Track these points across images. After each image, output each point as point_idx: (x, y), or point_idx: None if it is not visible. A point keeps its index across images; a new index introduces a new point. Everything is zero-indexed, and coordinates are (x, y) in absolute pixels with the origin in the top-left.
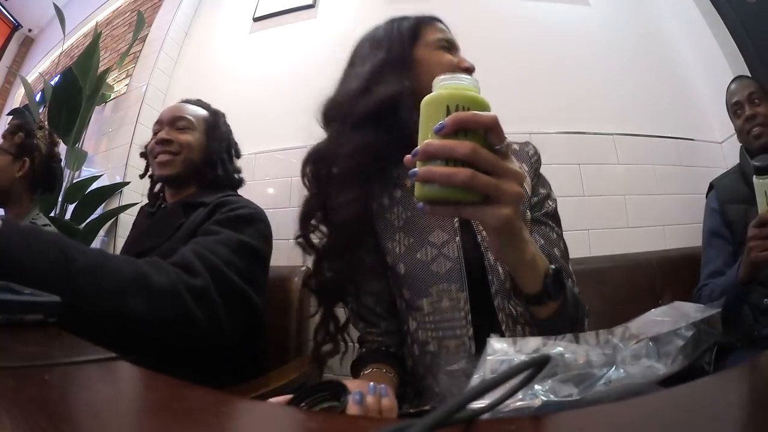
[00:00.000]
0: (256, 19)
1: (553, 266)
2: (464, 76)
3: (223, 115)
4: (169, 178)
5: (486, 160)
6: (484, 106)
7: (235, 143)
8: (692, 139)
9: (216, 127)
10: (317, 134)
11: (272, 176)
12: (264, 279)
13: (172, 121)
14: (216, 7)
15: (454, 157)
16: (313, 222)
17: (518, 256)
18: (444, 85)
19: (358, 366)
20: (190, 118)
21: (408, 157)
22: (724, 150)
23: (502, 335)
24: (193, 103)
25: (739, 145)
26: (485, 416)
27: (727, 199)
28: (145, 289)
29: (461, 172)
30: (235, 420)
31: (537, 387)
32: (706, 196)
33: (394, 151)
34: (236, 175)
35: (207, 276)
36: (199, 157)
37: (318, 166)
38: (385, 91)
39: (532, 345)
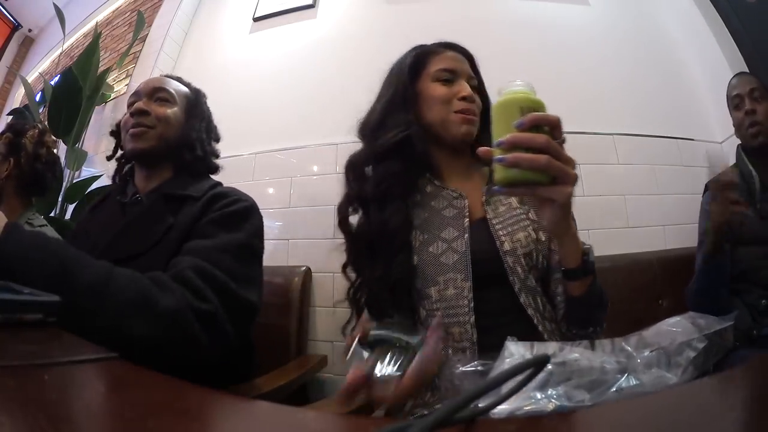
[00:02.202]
0: (256, 19)
1: (586, 245)
2: (520, 82)
3: (204, 95)
4: (142, 152)
5: (555, 149)
6: (544, 107)
7: (215, 126)
8: (692, 139)
9: (197, 104)
10: (316, 134)
11: (272, 176)
12: (261, 275)
13: (150, 93)
14: (216, 7)
15: (534, 146)
16: (350, 210)
17: (568, 229)
18: (512, 90)
19: None
20: (171, 91)
21: (484, 149)
22: (724, 150)
23: (534, 330)
24: (174, 79)
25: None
26: (486, 416)
27: None
28: (149, 311)
29: (542, 157)
30: (235, 420)
31: (551, 391)
32: (703, 197)
33: (414, 169)
34: (213, 159)
35: (215, 300)
36: (175, 135)
37: (356, 171)
38: (395, 133)
39: (549, 350)
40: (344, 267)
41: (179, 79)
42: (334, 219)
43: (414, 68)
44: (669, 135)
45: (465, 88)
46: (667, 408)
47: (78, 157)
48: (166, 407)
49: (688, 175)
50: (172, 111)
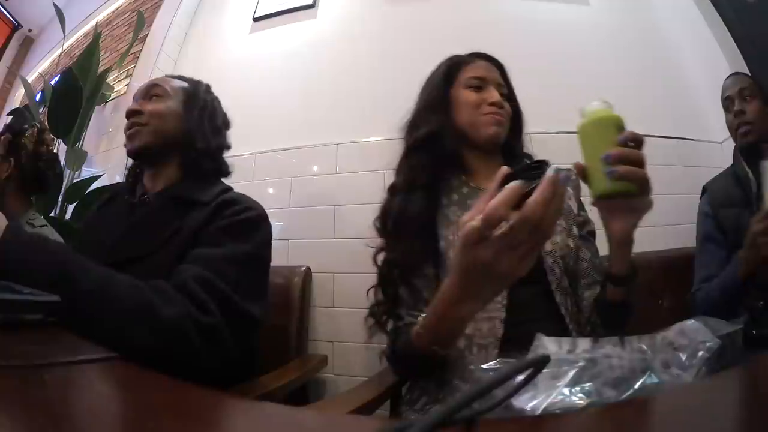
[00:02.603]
0: (256, 19)
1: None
2: (598, 102)
3: (206, 85)
4: (137, 150)
5: (645, 164)
6: (625, 123)
7: (223, 113)
8: (692, 139)
9: (195, 95)
10: (316, 134)
11: (272, 176)
12: (267, 286)
13: (145, 93)
14: (216, 7)
15: (637, 160)
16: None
17: (631, 238)
18: (598, 109)
19: (405, 339)
20: (165, 86)
21: (578, 163)
22: (724, 150)
23: (564, 330)
24: (174, 77)
25: None
26: (486, 416)
27: (721, 203)
28: (150, 321)
29: (646, 172)
30: (235, 420)
31: (582, 387)
32: (700, 199)
33: (441, 164)
34: (223, 155)
35: (218, 312)
36: (173, 127)
37: (396, 169)
38: (425, 130)
39: (581, 346)
40: (375, 255)
41: (180, 77)
42: (334, 218)
43: (447, 76)
44: (669, 135)
45: (494, 95)
46: (666, 408)
47: (78, 157)
48: (167, 407)
49: (688, 175)
50: (164, 105)
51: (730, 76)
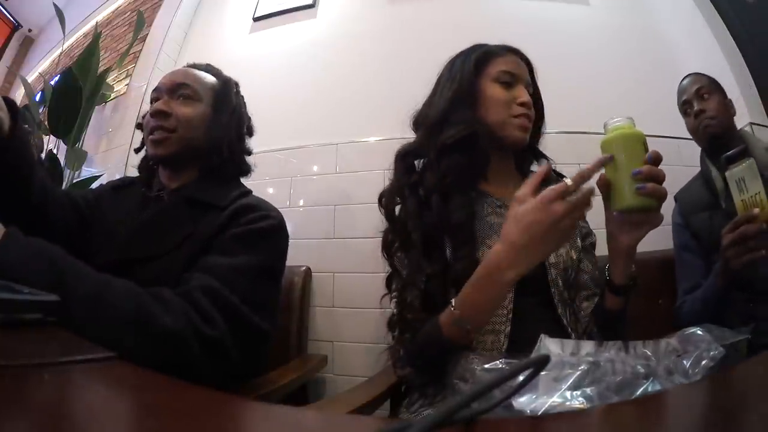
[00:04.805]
0: (256, 19)
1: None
2: (619, 118)
3: (236, 84)
4: (163, 159)
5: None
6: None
7: (249, 119)
8: (692, 139)
9: (225, 97)
10: (316, 134)
11: (272, 176)
12: (278, 298)
13: (172, 89)
14: (216, 7)
15: (662, 179)
16: (397, 200)
17: (635, 250)
18: (623, 125)
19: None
20: (195, 85)
21: (603, 175)
22: None
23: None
24: (201, 69)
25: None
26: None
27: (690, 209)
28: (146, 331)
29: (665, 189)
30: (235, 420)
31: (581, 391)
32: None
33: (476, 166)
34: (246, 158)
35: (224, 325)
36: (201, 134)
37: (406, 160)
38: (462, 128)
39: (584, 349)
40: (385, 249)
41: (208, 67)
42: (334, 218)
43: (477, 66)
44: (669, 135)
45: (524, 94)
46: (666, 408)
47: (78, 157)
48: (166, 407)
49: (688, 175)
50: (195, 110)
51: (684, 78)
